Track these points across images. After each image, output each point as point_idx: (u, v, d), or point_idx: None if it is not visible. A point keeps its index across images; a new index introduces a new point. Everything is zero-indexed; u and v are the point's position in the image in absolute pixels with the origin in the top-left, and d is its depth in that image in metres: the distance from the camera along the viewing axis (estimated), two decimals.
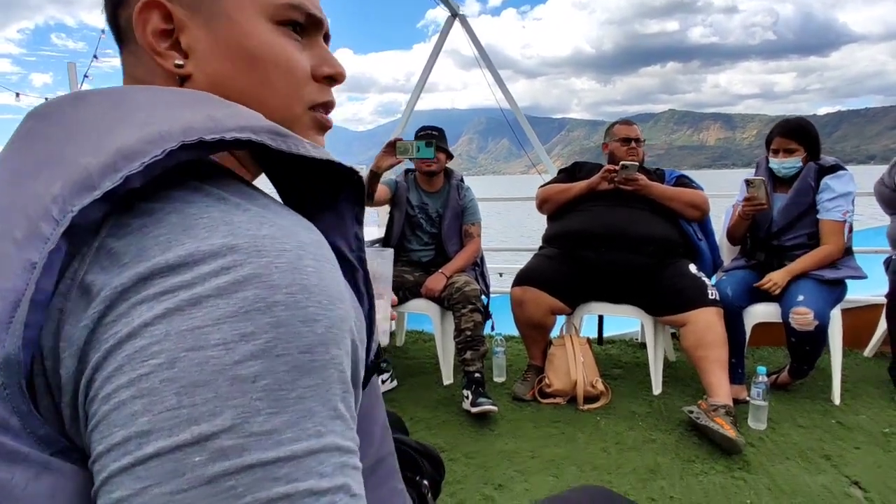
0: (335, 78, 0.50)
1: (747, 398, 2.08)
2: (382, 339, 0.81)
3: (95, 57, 7.10)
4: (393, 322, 0.87)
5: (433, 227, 2.57)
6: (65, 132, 0.36)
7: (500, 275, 4.09)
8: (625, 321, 2.97)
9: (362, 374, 0.38)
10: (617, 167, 2.30)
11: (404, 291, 2.46)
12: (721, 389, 1.98)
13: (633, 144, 2.43)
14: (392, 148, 2.05)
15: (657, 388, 2.36)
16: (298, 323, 0.31)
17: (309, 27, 0.48)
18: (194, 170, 0.35)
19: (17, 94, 7.84)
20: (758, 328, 2.25)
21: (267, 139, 0.35)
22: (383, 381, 2.43)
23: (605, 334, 3.07)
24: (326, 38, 0.52)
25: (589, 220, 2.35)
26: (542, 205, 2.55)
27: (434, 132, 2.51)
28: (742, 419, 2.03)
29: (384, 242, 2.65)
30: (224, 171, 0.39)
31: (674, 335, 2.75)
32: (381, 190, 2.57)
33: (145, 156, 0.31)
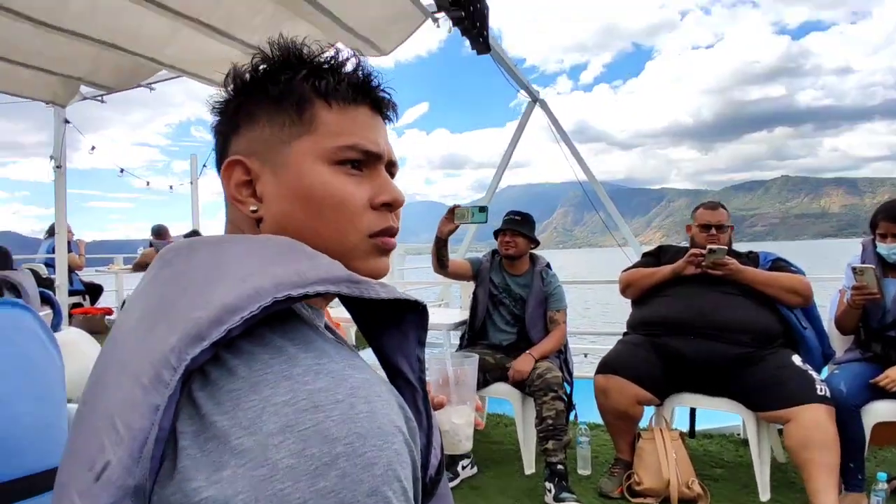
0: (392, 204, 0.55)
1: None
2: (465, 444, 0.82)
3: (214, 150, 8.14)
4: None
5: (516, 308, 2.59)
6: (179, 287, 0.44)
7: (585, 355, 3.96)
8: (725, 413, 2.75)
9: (420, 491, 0.42)
10: (704, 251, 2.23)
11: (485, 374, 2.46)
12: (828, 499, 1.77)
13: (714, 232, 2.34)
14: (452, 214, 2.19)
15: (765, 494, 2.13)
16: (360, 470, 0.35)
17: (368, 160, 0.54)
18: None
19: (147, 182, 9.04)
20: (880, 426, 2.01)
21: (344, 288, 0.42)
22: (463, 468, 2.40)
23: (702, 427, 2.84)
24: (391, 165, 0.57)
25: (675, 305, 2.27)
26: (626, 289, 2.50)
27: (517, 217, 2.59)
28: None
29: (470, 323, 2.70)
30: (291, 314, 0.44)
31: (780, 432, 2.50)
32: (461, 265, 2.69)
33: (244, 311, 0.38)
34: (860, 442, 1.97)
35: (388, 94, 0.57)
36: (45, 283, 4.40)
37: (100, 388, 0.45)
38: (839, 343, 2.38)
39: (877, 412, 2.00)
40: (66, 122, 4.23)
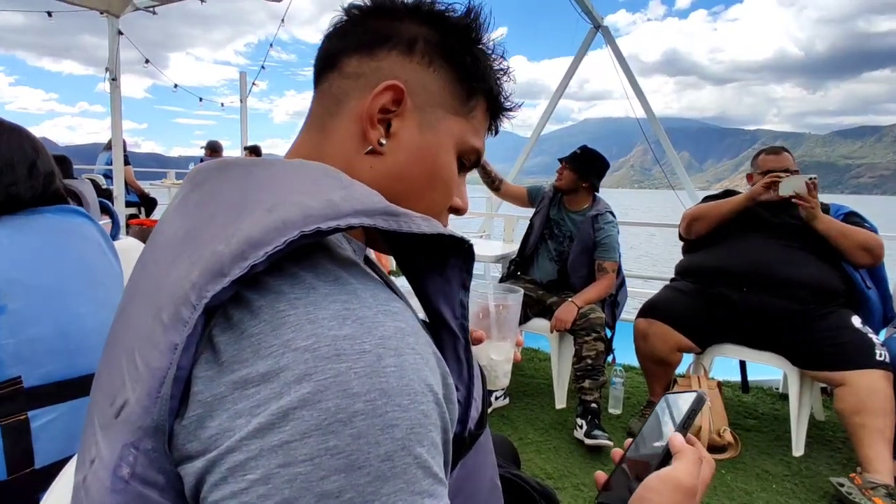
0: (459, 210, 0.59)
1: None
2: (502, 381, 0.80)
3: (263, 67, 8.06)
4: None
5: (564, 244, 2.53)
6: (205, 214, 0.42)
7: None
8: (763, 366, 2.69)
9: (454, 449, 0.39)
10: (783, 175, 2.04)
11: (526, 309, 2.45)
12: (883, 465, 1.72)
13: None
14: None
15: (798, 450, 2.11)
16: (378, 431, 0.32)
17: (470, 166, 0.58)
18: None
19: (200, 99, 9.10)
20: None
21: (380, 221, 0.38)
22: (496, 398, 2.46)
23: (736, 378, 2.80)
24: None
25: (731, 255, 2.16)
26: (692, 223, 2.29)
27: (579, 151, 2.50)
28: None
29: (520, 251, 2.68)
30: (322, 248, 0.41)
31: (824, 390, 2.44)
32: (517, 190, 2.70)
33: (269, 245, 0.35)
34: None
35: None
36: (104, 194, 4.58)
37: (124, 318, 0.44)
38: None
39: None
40: (120, 33, 4.23)
